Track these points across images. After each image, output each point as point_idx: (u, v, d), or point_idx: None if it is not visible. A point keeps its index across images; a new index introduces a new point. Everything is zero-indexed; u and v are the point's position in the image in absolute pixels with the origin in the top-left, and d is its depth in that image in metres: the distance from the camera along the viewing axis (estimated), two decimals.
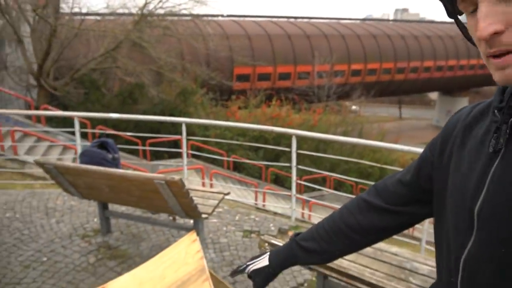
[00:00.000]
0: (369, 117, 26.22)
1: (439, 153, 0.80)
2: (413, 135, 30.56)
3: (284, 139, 12.16)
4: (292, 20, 29.48)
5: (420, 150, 4.45)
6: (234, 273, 1.09)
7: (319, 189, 9.51)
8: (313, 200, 6.77)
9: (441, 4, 0.65)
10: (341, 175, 6.42)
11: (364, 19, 40.71)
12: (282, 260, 1.03)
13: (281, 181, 12.79)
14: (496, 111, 0.67)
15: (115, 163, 3.17)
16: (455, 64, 30.70)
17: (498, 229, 0.62)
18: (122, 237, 3.65)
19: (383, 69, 27.48)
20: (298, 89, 21.19)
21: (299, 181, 5.39)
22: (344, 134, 15.34)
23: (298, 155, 4.42)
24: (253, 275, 1.05)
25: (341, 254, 1.02)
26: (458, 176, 0.72)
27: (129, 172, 2.82)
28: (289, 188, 6.02)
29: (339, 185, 13.46)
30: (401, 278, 2.14)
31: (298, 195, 5.20)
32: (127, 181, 2.80)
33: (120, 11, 14.42)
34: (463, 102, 35.31)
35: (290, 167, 4.52)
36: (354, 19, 36.78)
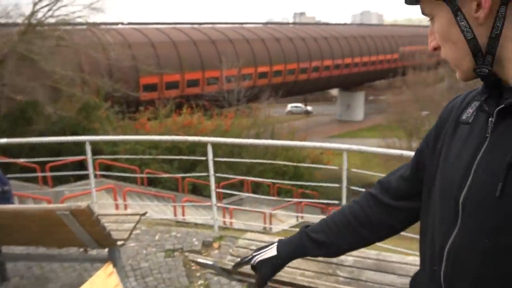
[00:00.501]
0: (279, 117, 27.20)
1: (433, 143, 0.82)
2: (320, 130, 32.44)
3: (199, 147, 11.99)
4: (196, 26, 29.31)
5: (326, 144, 4.69)
6: (238, 265, 1.07)
7: (238, 194, 9.58)
8: (233, 207, 6.75)
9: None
10: (257, 177, 6.51)
11: (266, 23, 42.14)
12: (291, 251, 1.02)
13: (199, 190, 12.58)
14: (483, 100, 0.70)
15: (5, 198, 2.75)
16: (350, 62, 33.37)
17: (482, 220, 0.63)
18: (23, 283, 3.18)
19: (287, 70, 28.73)
20: (208, 95, 21.11)
21: (218, 190, 5.32)
22: (257, 136, 15.64)
23: (214, 162, 4.34)
24: (260, 265, 1.02)
25: (349, 249, 1.02)
26: (446, 165, 0.74)
27: (25, 206, 2.47)
28: (209, 196, 5.92)
29: (256, 187, 13.67)
30: (329, 273, 2.18)
31: (219, 204, 5.12)
32: (22, 217, 2.44)
33: (3, 20, 12.91)
34: (359, 96, 38.66)
35: (207, 176, 4.42)
36: (257, 23, 37.87)
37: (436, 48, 0.73)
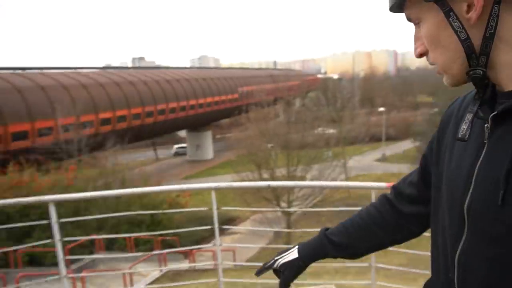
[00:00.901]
0: (127, 163, 25.65)
1: (437, 147, 0.82)
2: (173, 173, 31.88)
3: (35, 208, 10.16)
4: (20, 71, 25.85)
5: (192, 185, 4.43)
6: (261, 271, 1.07)
7: (89, 257, 8.35)
8: (84, 274, 5.77)
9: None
10: (110, 233, 5.76)
11: (104, 68, 40.15)
12: (312, 253, 1.04)
13: (39, 259, 10.58)
14: (478, 106, 0.69)
15: None
16: (195, 103, 34.30)
17: (487, 227, 0.63)
18: None
19: (132, 114, 27.64)
20: (41, 148, 18.50)
21: (67, 257, 4.43)
22: (106, 186, 14.29)
23: (59, 224, 3.58)
24: (282, 269, 1.03)
25: (368, 251, 1.05)
26: (450, 172, 0.74)
27: None
28: (53, 266, 4.90)
29: (110, 243, 12.29)
30: None
31: (70, 275, 4.25)
32: None
33: None
34: (207, 135, 39.80)
35: (50, 243, 3.61)
36: (94, 68, 35.73)
37: (423, 54, 0.71)
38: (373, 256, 2.86)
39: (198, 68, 60.01)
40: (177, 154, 41.29)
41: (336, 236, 1.03)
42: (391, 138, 35.48)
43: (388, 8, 0.74)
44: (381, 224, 0.99)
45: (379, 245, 1.05)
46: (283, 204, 15.46)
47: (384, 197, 1.02)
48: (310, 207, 15.96)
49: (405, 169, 24.86)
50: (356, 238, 1.02)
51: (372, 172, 26.48)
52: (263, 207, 16.41)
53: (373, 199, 2.58)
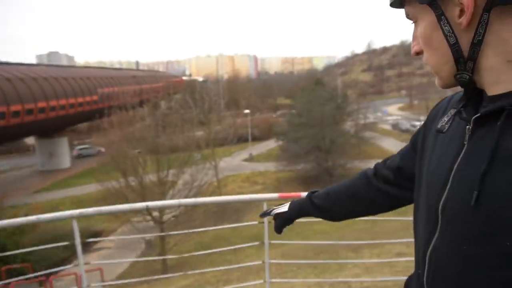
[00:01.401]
0: None
1: (422, 143, 0.85)
2: (22, 187, 27.51)
3: None
4: None
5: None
6: (263, 214, 1.31)
7: None
8: None
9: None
10: None
11: None
12: (297, 210, 1.20)
13: None
14: (461, 107, 0.71)
15: None
16: (46, 106, 30.16)
17: (459, 228, 0.64)
18: None
19: None
20: None
21: None
22: None
23: None
24: (275, 217, 1.24)
25: (344, 216, 1.18)
26: (429, 171, 0.76)
27: None
28: None
29: None
30: None
31: None
32: None
33: None
34: (63, 142, 35.46)
35: None
36: None
37: (419, 53, 0.72)
38: (266, 253, 2.80)
39: (47, 65, 53.03)
40: (80, 156, 35.79)
41: (318, 199, 1.16)
42: (256, 139, 37.32)
43: (388, 3, 0.75)
44: (356, 196, 1.09)
45: (355, 214, 1.17)
46: (155, 213, 14.61)
47: (364, 173, 1.10)
48: (183, 213, 15.51)
49: (271, 166, 26.44)
50: (334, 204, 1.14)
51: (242, 172, 27.36)
52: (132, 217, 15.30)
53: (265, 207, 2.54)
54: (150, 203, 2.83)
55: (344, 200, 1.12)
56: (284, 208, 1.23)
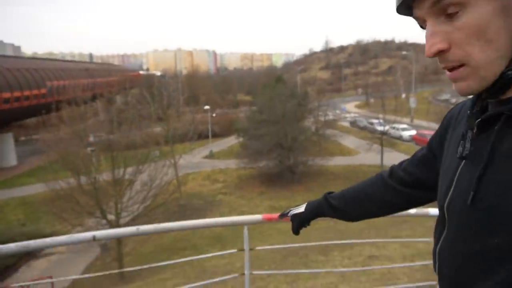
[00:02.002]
0: None
1: (439, 150, 0.87)
2: None
3: None
4: None
5: None
6: (281, 216, 1.33)
7: None
8: None
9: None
10: None
11: None
12: (313, 210, 1.21)
13: None
14: (469, 111, 0.72)
15: None
16: None
17: (459, 226, 0.68)
18: None
19: None
20: None
21: None
22: None
23: None
24: (292, 218, 1.25)
25: (360, 217, 1.16)
26: (442, 171, 0.81)
27: None
28: None
29: None
30: None
31: None
32: None
33: None
34: (7, 138, 32.90)
35: None
36: None
37: (443, 51, 0.62)
38: (246, 263, 2.60)
39: None
40: None
41: (334, 200, 1.17)
42: (216, 135, 36.66)
43: None
44: (372, 197, 1.09)
45: (370, 214, 1.14)
46: (110, 216, 13.68)
47: (380, 174, 1.11)
48: (142, 215, 14.68)
49: (232, 164, 25.97)
50: (349, 204, 1.15)
51: (202, 170, 26.67)
52: (84, 220, 14.28)
53: (246, 233, 2.49)
54: (98, 233, 2.29)
55: (360, 201, 1.14)
56: (301, 209, 1.25)
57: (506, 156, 0.61)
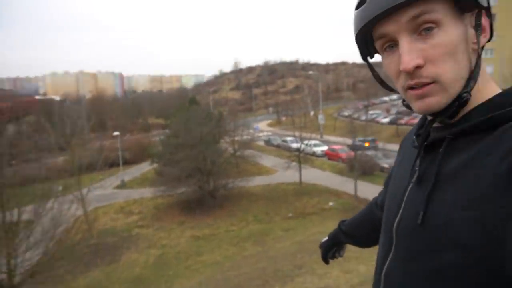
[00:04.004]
0: None
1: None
2: None
3: None
4: None
5: None
6: (320, 246, 1.35)
7: None
8: None
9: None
10: None
11: None
12: (333, 237, 1.30)
13: None
14: (414, 136, 0.78)
15: None
16: None
17: (408, 246, 0.69)
18: None
19: None
20: None
21: None
22: None
23: None
24: (320, 246, 1.35)
25: (371, 243, 1.17)
26: (389, 193, 0.84)
27: None
28: None
29: None
30: None
31: None
32: None
33: None
34: None
35: None
36: None
37: (419, 67, 0.64)
38: None
39: None
40: None
41: (345, 226, 1.25)
42: (127, 162, 34.30)
43: (385, 8, 0.64)
44: (369, 222, 1.15)
45: (373, 242, 1.13)
46: (2, 276, 11.31)
47: (373, 200, 1.18)
48: (43, 262, 12.55)
49: (147, 193, 24.25)
50: (357, 229, 1.21)
51: (114, 201, 24.42)
52: None
53: None
54: None
55: (363, 228, 1.19)
56: (325, 237, 1.34)
57: (450, 177, 0.64)
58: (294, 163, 24.50)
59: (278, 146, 37.15)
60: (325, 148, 31.88)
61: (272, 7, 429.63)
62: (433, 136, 0.71)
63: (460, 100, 0.65)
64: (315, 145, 32.34)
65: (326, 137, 39.69)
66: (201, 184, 22.12)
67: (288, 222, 18.33)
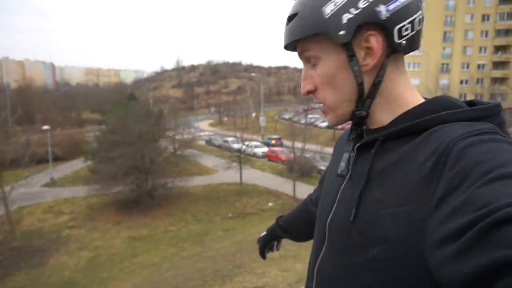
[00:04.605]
0: None
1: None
2: None
3: None
4: None
5: None
6: (257, 241, 1.40)
7: None
8: None
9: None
10: None
11: None
12: (269, 233, 1.36)
13: None
14: (348, 138, 0.83)
15: None
16: None
17: (340, 241, 0.73)
18: None
19: None
20: None
21: None
22: None
23: None
24: (257, 242, 1.39)
25: (306, 238, 1.24)
26: (323, 192, 0.88)
27: None
28: None
29: None
30: None
31: None
32: None
33: None
34: None
35: None
36: None
37: (311, 92, 0.77)
38: None
39: None
40: None
41: (283, 221, 1.31)
42: (58, 159, 32.16)
43: (283, 46, 0.78)
44: (304, 218, 1.21)
45: (306, 236, 1.22)
46: None
47: (308, 197, 1.23)
48: None
49: (80, 191, 22.93)
50: (294, 224, 1.28)
51: (42, 201, 22.75)
52: None
53: None
54: None
55: (299, 223, 1.25)
56: (264, 232, 1.38)
57: (379, 175, 0.70)
58: (235, 164, 24.59)
59: (219, 146, 37.05)
60: (265, 149, 32.42)
61: (216, 7, 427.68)
62: (366, 138, 0.76)
63: (355, 117, 0.75)
64: (255, 146, 32.75)
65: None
66: (138, 183, 21.39)
67: (228, 222, 18.36)
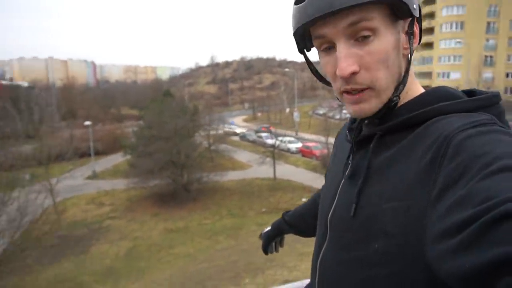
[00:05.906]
0: None
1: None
2: None
3: None
4: None
5: None
6: (260, 236, 1.38)
7: None
8: None
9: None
10: None
11: None
12: (275, 228, 1.33)
13: None
14: (347, 131, 0.82)
15: None
16: None
17: (341, 236, 0.73)
18: None
19: None
20: None
21: None
22: None
23: None
24: (261, 237, 1.35)
25: (311, 233, 1.18)
26: (324, 187, 0.89)
27: None
28: None
29: None
30: None
31: None
32: None
33: None
34: None
35: None
36: None
37: (355, 73, 0.66)
38: None
39: None
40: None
41: (289, 216, 1.29)
42: (99, 153, 33.59)
43: (332, 5, 0.62)
44: (312, 213, 1.12)
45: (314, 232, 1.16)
46: None
47: (317, 191, 1.21)
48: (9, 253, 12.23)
49: (120, 184, 23.90)
50: (300, 220, 1.25)
51: (85, 193, 23.91)
52: None
53: None
54: None
55: (306, 218, 1.23)
56: (268, 227, 1.35)
57: (379, 170, 0.68)
58: (268, 159, 24.73)
59: (253, 142, 37.27)
60: (299, 145, 32.29)
61: (250, 3, 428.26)
62: (364, 132, 0.74)
63: (390, 103, 0.70)
64: (289, 142, 32.70)
65: (301, 134, 40.16)
66: (174, 177, 21.99)
67: (261, 216, 18.53)
